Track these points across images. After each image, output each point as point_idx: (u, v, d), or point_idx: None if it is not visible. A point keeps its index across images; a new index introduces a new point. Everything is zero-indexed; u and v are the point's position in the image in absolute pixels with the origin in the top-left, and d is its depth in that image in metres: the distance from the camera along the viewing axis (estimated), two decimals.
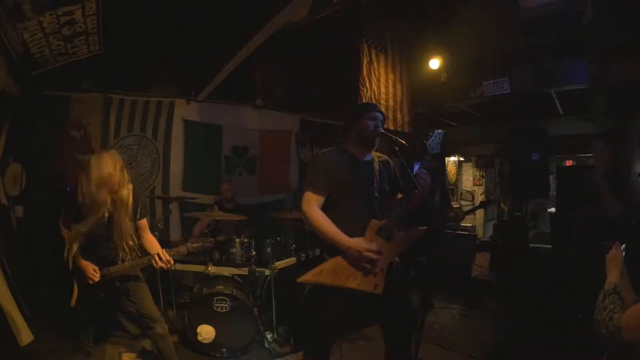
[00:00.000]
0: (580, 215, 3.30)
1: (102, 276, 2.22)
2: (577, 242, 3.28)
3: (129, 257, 2.24)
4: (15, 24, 2.76)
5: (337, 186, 1.91)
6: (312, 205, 1.88)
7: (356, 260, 1.79)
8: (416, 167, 1.93)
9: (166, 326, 2.45)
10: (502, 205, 7.96)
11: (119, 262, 2.24)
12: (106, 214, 2.16)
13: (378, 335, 2.13)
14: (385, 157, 2.13)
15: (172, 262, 2.25)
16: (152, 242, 2.36)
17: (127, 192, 2.19)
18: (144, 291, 2.37)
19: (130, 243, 2.24)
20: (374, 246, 1.80)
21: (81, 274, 2.21)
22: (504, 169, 8.69)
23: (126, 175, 2.19)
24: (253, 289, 3.55)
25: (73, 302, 2.27)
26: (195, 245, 2.34)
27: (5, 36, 2.81)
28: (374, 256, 1.79)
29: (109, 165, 2.11)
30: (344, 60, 4.94)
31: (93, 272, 2.19)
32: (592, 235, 3.14)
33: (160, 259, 2.21)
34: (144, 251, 2.33)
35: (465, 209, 8.44)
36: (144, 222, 2.37)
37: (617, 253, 1.37)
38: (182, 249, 2.33)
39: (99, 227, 2.19)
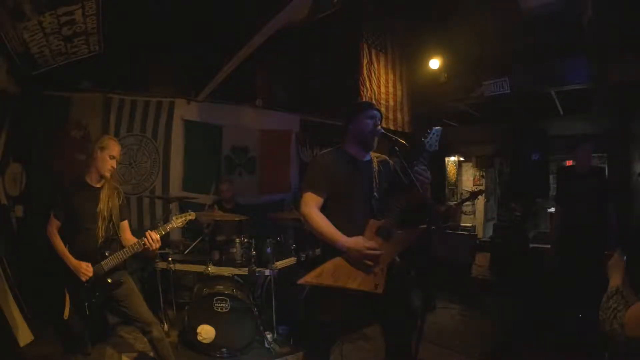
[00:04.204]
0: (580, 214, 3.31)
1: (94, 273, 2.21)
2: (577, 242, 3.28)
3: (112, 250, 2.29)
4: (15, 24, 2.76)
5: (337, 187, 1.90)
6: (311, 207, 1.87)
7: (357, 259, 1.78)
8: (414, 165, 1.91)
9: (161, 328, 2.43)
10: (513, 205, 7.88)
11: (107, 255, 2.25)
12: (100, 205, 2.28)
13: (378, 335, 2.13)
14: (384, 157, 2.11)
15: (159, 242, 2.29)
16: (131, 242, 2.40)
17: (119, 192, 2.41)
18: (135, 296, 2.35)
19: (115, 237, 2.33)
20: (373, 244, 1.79)
21: (72, 278, 2.19)
22: (504, 169, 8.69)
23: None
24: (253, 289, 3.55)
25: (66, 315, 2.23)
26: (179, 220, 2.36)
27: (5, 36, 2.81)
28: (376, 253, 1.77)
29: (118, 147, 2.37)
30: (344, 60, 4.95)
31: (86, 268, 2.18)
32: (591, 235, 3.15)
33: (151, 238, 2.25)
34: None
35: (465, 208, 8.42)
36: (125, 224, 2.44)
37: (618, 260, 1.42)
38: (169, 226, 2.35)
39: (90, 221, 2.27)
